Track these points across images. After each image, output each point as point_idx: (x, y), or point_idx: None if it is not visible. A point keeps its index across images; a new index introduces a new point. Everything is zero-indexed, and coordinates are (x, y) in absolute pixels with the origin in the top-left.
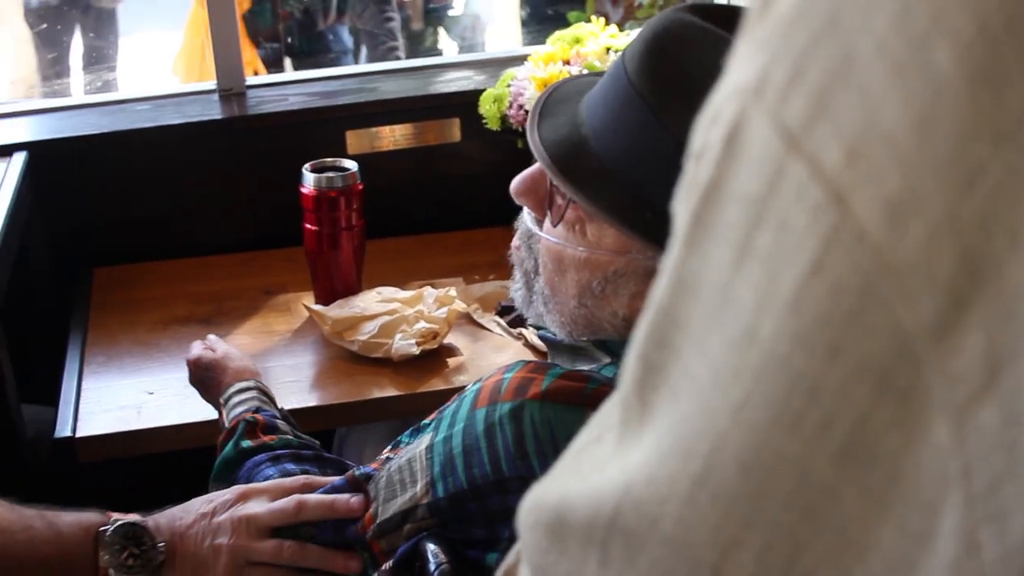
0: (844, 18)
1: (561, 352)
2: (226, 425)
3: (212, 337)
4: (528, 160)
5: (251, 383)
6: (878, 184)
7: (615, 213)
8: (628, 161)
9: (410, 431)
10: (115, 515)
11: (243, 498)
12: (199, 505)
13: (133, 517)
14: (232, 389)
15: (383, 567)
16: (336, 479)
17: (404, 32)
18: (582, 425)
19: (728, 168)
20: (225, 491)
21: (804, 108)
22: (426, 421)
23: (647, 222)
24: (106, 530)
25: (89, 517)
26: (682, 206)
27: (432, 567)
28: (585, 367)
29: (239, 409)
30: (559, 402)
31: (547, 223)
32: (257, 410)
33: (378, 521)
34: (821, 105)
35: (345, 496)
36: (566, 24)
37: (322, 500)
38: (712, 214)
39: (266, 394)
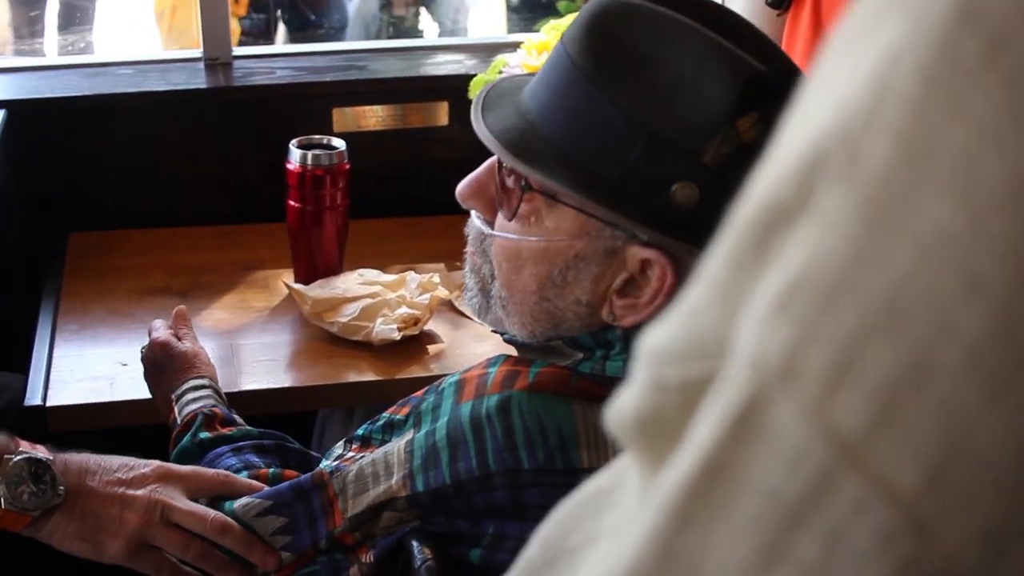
0: (912, 309)
1: (532, 352)
2: (178, 421)
3: (182, 308)
4: None
5: (206, 380)
6: (970, 512)
7: (574, 187)
8: (577, 139)
9: (380, 427)
10: (23, 445)
11: (162, 479)
12: (117, 467)
13: (41, 452)
14: (186, 385)
15: (363, 559)
16: (303, 478)
17: (387, 15)
18: (569, 416)
19: (740, 453)
20: (144, 463)
21: (862, 413)
22: (399, 417)
23: (605, 190)
24: (10, 459)
25: None
26: (660, 465)
27: (417, 562)
28: (560, 363)
29: (193, 406)
30: (546, 391)
31: (499, 221)
32: (214, 406)
33: (348, 515)
34: (887, 413)
35: (263, 547)
36: (555, 13)
37: (243, 536)
38: (717, 497)
39: (220, 394)
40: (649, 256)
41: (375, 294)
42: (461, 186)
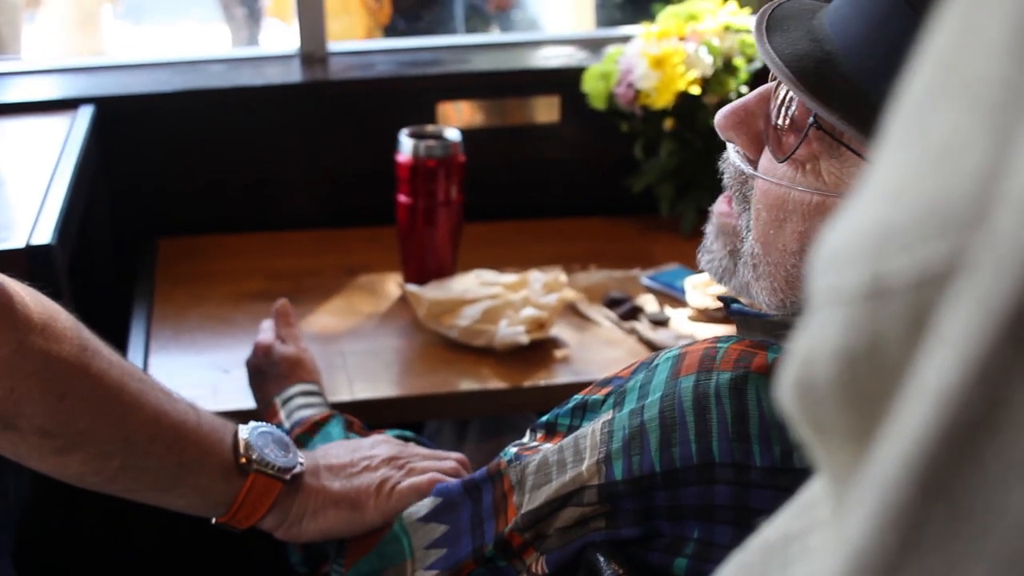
0: None
1: (754, 331)
2: (286, 425)
3: (284, 302)
4: (632, 146)
5: (315, 387)
6: None
7: (872, 136)
8: (885, 80)
9: (568, 410)
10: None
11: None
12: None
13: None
14: (294, 390)
15: (533, 568)
16: (477, 472)
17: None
18: None
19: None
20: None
21: None
22: (596, 397)
23: None
24: (249, 421)
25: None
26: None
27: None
28: None
29: (307, 412)
30: None
31: (765, 162)
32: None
33: (523, 511)
34: None
35: None
36: (647, 15)
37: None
38: (991, 445)
39: (327, 404)
40: None
41: (496, 295)
42: (722, 114)
